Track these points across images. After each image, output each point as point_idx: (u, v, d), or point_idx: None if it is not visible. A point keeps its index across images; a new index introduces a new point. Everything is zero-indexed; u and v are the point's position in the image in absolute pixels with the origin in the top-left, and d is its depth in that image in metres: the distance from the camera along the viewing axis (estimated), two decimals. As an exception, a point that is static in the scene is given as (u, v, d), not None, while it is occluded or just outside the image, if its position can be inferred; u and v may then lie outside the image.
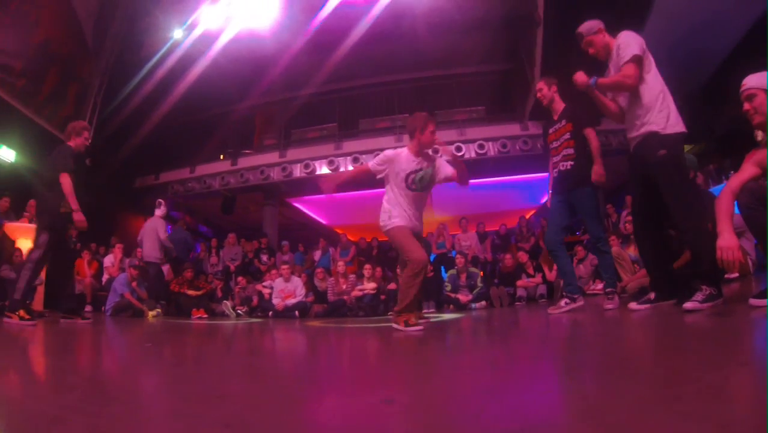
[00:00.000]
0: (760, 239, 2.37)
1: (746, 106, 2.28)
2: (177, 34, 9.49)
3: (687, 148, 9.41)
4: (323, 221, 13.72)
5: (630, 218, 4.84)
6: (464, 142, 9.27)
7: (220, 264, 8.85)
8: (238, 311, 6.92)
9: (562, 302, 3.58)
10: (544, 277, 6.87)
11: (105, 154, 9.69)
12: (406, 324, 2.95)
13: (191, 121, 11.76)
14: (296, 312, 6.58)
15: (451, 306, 6.50)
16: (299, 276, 7.22)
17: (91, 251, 8.13)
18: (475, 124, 9.90)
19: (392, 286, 6.68)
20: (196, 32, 9.38)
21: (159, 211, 7.59)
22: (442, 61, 10.70)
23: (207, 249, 9.49)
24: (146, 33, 9.75)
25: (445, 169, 3.38)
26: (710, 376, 1.06)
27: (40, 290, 5.88)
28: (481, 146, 9.26)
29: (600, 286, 5.41)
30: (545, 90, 3.66)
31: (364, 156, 9.53)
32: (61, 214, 3.95)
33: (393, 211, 3.26)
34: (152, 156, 11.03)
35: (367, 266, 7.17)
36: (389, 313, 4.98)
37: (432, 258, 7.56)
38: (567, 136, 3.57)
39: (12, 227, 6.06)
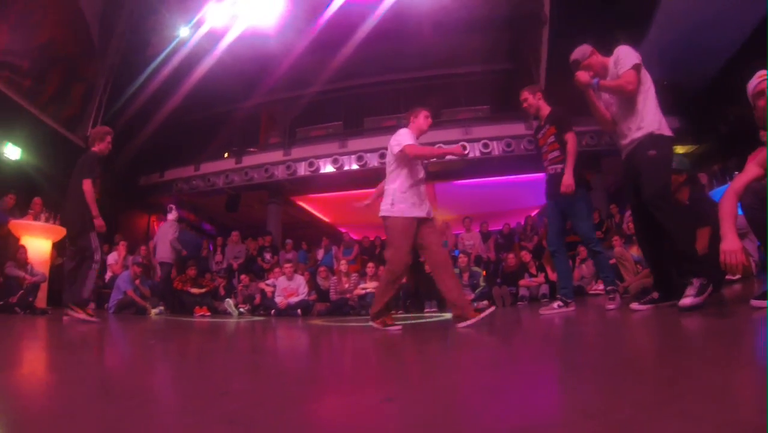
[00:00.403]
0: (763, 240, 2.36)
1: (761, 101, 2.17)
2: (183, 32, 9.53)
3: (689, 149, 9.37)
4: (327, 219, 13.74)
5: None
6: (469, 141, 9.26)
7: (224, 262, 8.89)
8: (241, 309, 6.94)
9: (555, 304, 3.60)
10: (546, 277, 6.82)
11: (110, 152, 9.73)
12: (385, 324, 3.08)
13: (196, 120, 11.81)
14: (299, 310, 6.59)
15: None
16: (302, 274, 7.23)
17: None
18: (480, 123, 9.90)
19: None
20: (202, 30, 9.42)
21: (171, 216, 7.86)
22: (446, 60, 10.68)
23: (213, 246, 9.52)
24: (152, 31, 9.80)
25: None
26: (711, 376, 1.06)
27: (44, 287, 5.92)
28: (485, 145, 9.25)
29: (602, 286, 5.39)
30: (530, 99, 3.67)
31: (368, 155, 9.54)
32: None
33: (408, 198, 3.16)
34: (157, 154, 11.09)
35: (370, 265, 7.17)
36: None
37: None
38: (552, 139, 3.57)
39: (17, 224, 6.10)
